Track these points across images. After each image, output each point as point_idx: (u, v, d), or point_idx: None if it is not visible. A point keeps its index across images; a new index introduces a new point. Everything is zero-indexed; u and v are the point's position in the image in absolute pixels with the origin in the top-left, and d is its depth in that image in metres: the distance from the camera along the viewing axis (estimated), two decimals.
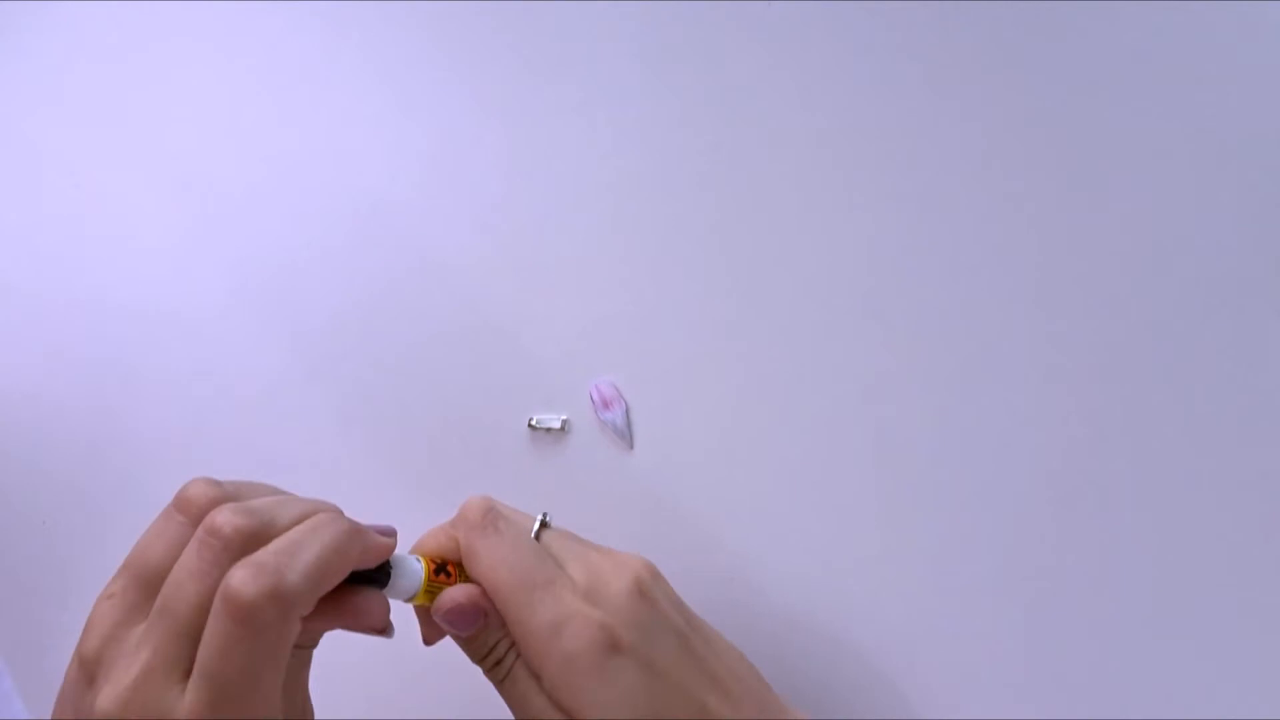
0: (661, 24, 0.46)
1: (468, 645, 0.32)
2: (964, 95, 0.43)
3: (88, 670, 0.27)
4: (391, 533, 0.31)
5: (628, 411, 0.44)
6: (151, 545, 0.29)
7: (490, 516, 0.33)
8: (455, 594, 0.31)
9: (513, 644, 0.31)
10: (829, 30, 0.45)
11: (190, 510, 0.28)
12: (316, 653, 0.32)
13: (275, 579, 0.26)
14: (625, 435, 0.44)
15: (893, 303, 0.43)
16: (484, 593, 0.32)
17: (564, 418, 0.43)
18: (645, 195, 0.45)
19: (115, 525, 0.48)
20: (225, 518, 0.27)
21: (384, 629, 0.31)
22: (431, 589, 0.32)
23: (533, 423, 0.44)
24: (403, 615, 0.32)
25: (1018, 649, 0.41)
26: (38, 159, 0.52)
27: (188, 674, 0.26)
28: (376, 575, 0.30)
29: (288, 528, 0.28)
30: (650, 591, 0.32)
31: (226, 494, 0.29)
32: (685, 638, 0.32)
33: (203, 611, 0.26)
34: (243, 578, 0.25)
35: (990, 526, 0.41)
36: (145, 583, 0.28)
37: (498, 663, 0.32)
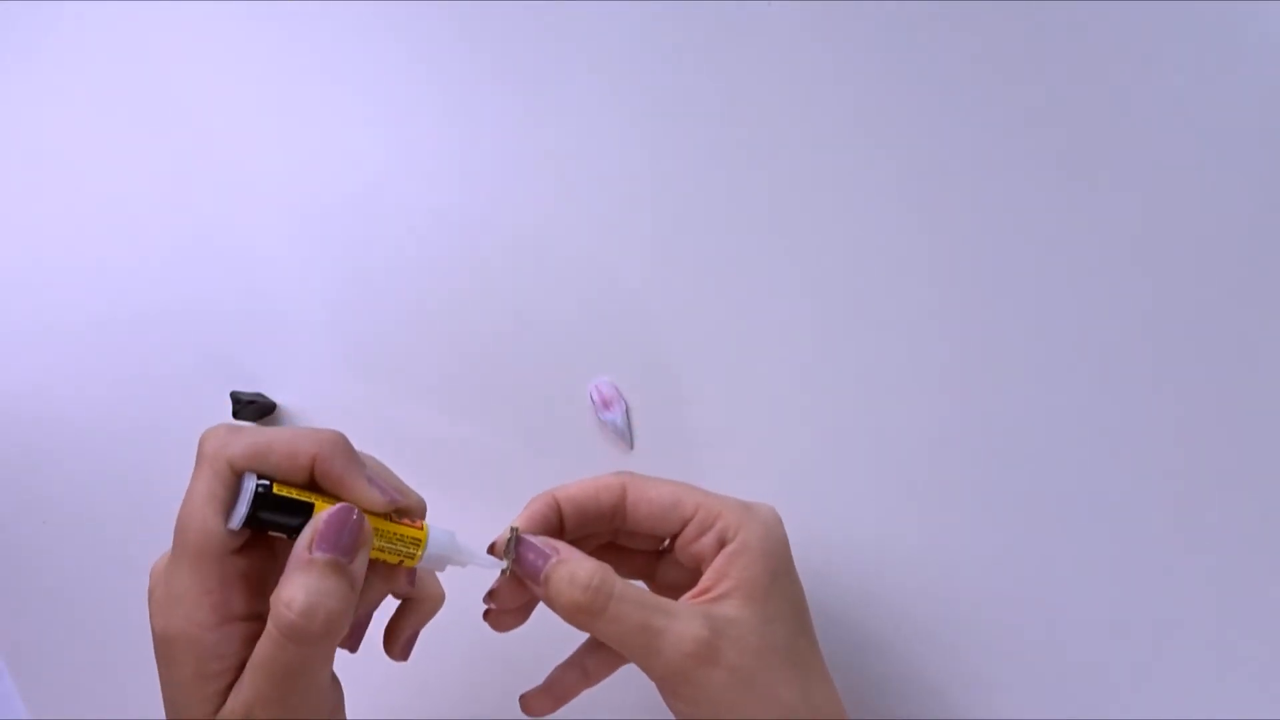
0: (661, 24, 0.46)
1: None
2: (966, 94, 0.43)
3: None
4: (393, 496, 0.31)
5: (628, 411, 0.44)
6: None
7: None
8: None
9: None
10: (829, 30, 0.45)
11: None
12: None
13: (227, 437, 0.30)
14: (625, 435, 0.44)
15: (893, 302, 0.43)
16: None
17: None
18: (645, 195, 0.45)
19: (116, 525, 0.48)
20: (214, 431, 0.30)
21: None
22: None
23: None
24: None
25: (1018, 651, 0.41)
26: (39, 158, 0.52)
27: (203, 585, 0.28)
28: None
29: None
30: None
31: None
32: None
33: None
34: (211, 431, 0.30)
35: (995, 525, 0.41)
36: None
37: None
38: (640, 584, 0.35)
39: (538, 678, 0.40)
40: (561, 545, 0.32)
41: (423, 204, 0.47)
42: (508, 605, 0.34)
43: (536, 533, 0.33)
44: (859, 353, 0.43)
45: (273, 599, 0.28)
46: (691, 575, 0.34)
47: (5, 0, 0.52)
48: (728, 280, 0.44)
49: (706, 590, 0.32)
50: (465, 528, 0.45)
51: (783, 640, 0.32)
